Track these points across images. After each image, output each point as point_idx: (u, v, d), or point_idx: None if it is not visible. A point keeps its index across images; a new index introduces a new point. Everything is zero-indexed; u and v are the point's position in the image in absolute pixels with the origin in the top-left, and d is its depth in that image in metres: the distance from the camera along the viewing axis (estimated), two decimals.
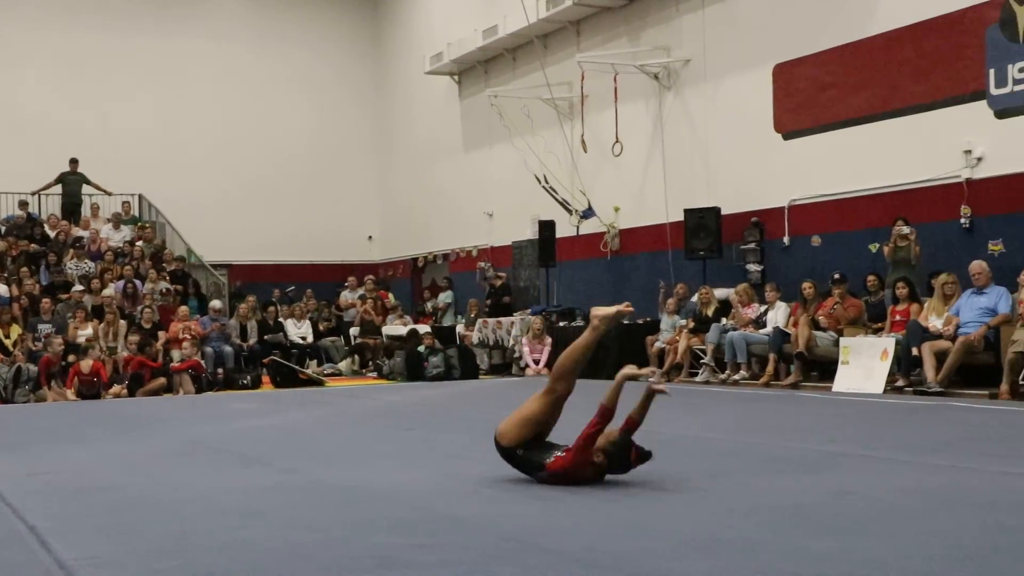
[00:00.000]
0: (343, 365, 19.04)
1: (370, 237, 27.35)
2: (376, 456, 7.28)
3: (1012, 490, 5.22)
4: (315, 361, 19.04)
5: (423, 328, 18.73)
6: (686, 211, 16.34)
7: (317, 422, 10.38)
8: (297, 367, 17.13)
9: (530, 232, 20.07)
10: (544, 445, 5.71)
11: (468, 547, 4.17)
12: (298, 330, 19.64)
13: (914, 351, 11.74)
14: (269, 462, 7.13)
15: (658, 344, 15.51)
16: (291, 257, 25.73)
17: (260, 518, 4.93)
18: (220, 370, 16.33)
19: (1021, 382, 10.93)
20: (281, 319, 19.66)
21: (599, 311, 5.83)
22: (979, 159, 13.03)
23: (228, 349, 17.08)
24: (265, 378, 16.68)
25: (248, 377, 16.23)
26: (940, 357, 11.46)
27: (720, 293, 15.30)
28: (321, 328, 20.25)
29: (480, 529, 4.54)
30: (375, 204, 27.36)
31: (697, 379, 14.50)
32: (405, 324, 19.78)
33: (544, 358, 17.05)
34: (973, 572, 3.56)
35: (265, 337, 18.30)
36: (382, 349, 18.94)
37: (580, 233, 19.55)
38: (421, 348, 17.05)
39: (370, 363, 18.97)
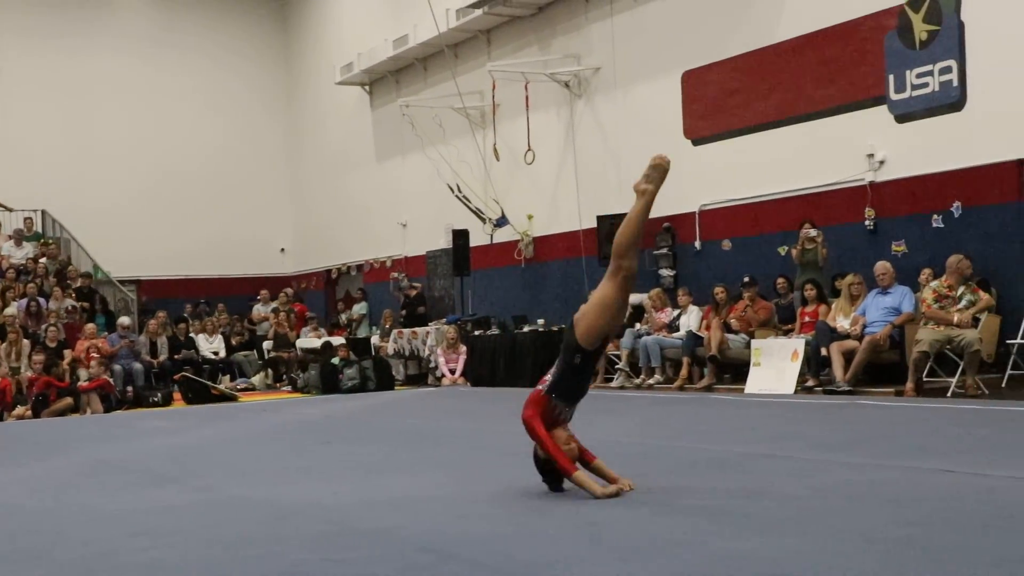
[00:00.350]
0: (256, 379, 18.82)
1: (282, 249, 27.08)
2: (292, 471, 7.20)
3: (918, 485, 5.34)
4: (228, 376, 18.81)
5: (337, 340, 18.60)
6: (599, 218, 16.46)
7: (231, 438, 10.23)
8: (209, 383, 16.88)
9: (444, 241, 20.06)
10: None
11: (385, 560, 4.14)
12: (210, 345, 19.39)
13: (823, 351, 11.97)
14: (182, 480, 7.01)
15: None
16: (202, 271, 25.36)
17: (173, 537, 4.85)
18: (130, 388, 16.03)
19: (925, 380, 11.21)
20: (192, 334, 19.37)
21: (647, 174, 5.62)
22: (881, 162, 13.34)
23: (138, 366, 16.77)
24: (176, 395, 16.40)
25: (159, 394, 15.94)
26: (848, 356, 11.69)
27: (633, 298, 15.43)
28: (234, 342, 20.00)
29: (397, 541, 4.51)
30: (287, 216, 27.10)
31: (612, 384, 14.60)
32: (319, 336, 19.62)
33: (460, 367, 17.04)
34: (883, 566, 3.63)
35: (176, 355, 18.02)
36: (296, 362, 18.76)
37: (494, 241, 19.59)
38: (336, 360, 16.91)
39: (284, 377, 18.78)
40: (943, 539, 4.02)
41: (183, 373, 16.66)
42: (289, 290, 23.14)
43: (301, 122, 26.80)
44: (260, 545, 4.56)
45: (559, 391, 5.54)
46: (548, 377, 5.62)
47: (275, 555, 4.34)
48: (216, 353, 19.35)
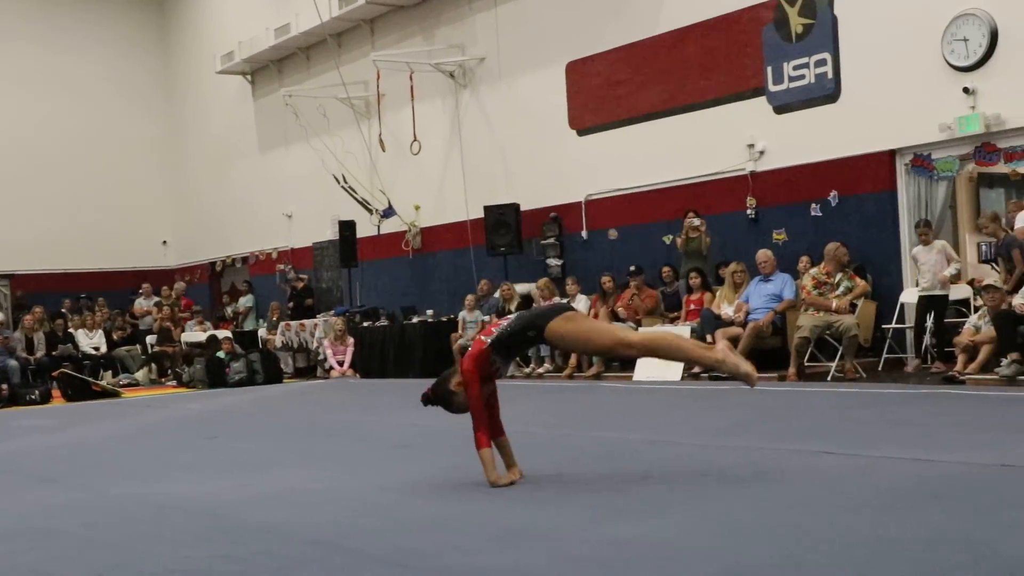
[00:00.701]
0: (140, 375, 18.41)
1: (164, 242, 26.49)
2: (177, 467, 7.06)
3: (800, 467, 5.48)
4: (110, 372, 18.35)
5: (223, 333, 18.29)
6: (486, 208, 16.48)
7: (113, 435, 9.99)
8: (90, 379, 16.43)
9: (331, 233, 19.86)
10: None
11: (273, 554, 4.09)
12: (90, 340, 18.89)
13: (708, 338, 12.17)
14: (61, 480, 6.82)
15: (461, 341, 15.59)
16: (80, 265, 24.65)
17: (53, 539, 4.71)
18: (4, 386, 15.48)
19: (806, 364, 11.50)
20: (72, 329, 18.85)
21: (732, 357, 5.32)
22: (761, 152, 13.62)
23: (13, 363, 16.24)
24: (56, 392, 15.92)
25: (36, 392, 15.43)
26: (732, 343, 11.89)
27: (522, 288, 15.50)
28: (115, 337, 19.52)
29: (286, 535, 4.46)
30: (168, 208, 26.50)
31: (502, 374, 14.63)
32: (205, 330, 19.27)
33: (348, 359, 16.93)
34: (767, 546, 3.71)
35: (54, 351, 17.53)
36: (181, 357, 18.40)
37: (381, 232, 19.47)
38: (221, 354, 16.64)
39: (169, 372, 18.40)
40: (822, 518, 4.12)
41: (62, 369, 16.20)
42: (181, 285, 22.69)
43: (182, 112, 26.23)
44: (143, 544, 4.47)
45: (500, 347, 5.51)
46: (494, 330, 5.57)
47: (159, 554, 4.25)
48: (97, 348, 18.87)
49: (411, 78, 17.82)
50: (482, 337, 5.60)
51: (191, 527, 4.79)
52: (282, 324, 18.83)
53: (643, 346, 5.56)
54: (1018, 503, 4.24)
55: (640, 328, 13.13)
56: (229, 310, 22.22)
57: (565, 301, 14.25)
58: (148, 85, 26.41)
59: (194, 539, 4.49)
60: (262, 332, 19.65)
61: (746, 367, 5.26)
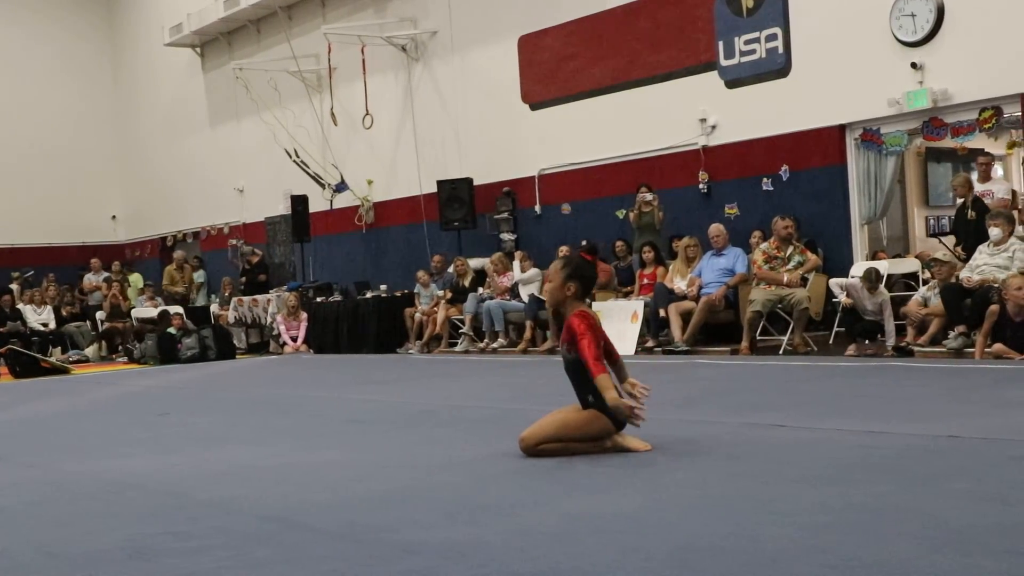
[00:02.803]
0: (90, 351, 18.23)
1: (114, 217, 26.18)
2: (128, 444, 6.99)
3: (753, 440, 5.53)
4: (59, 348, 18.14)
5: (174, 309, 18.13)
6: (439, 183, 16.44)
7: (62, 412, 9.88)
8: (39, 355, 16.24)
9: (283, 207, 19.73)
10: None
11: (227, 530, 4.07)
12: (38, 316, 18.65)
13: (661, 312, 12.25)
14: (8, 457, 6.73)
15: (416, 315, 15.58)
16: (27, 240, 24.31)
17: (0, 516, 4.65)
18: None
19: (759, 338, 11.60)
20: (20, 305, 18.60)
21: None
22: (713, 127, 13.69)
23: None
24: (3, 369, 15.73)
25: None
26: (685, 317, 12.01)
27: (475, 263, 15.50)
28: (64, 313, 19.28)
29: (239, 512, 4.44)
30: (118, 182, 26.18)
31: (456, 349, 14.65)
32: (156, 306, 19.09)
33: (302, 334, 16.86)
34: (722, 519, 3.75)
35: (1, 327, 17.27)
36: (132, 333, 18.22)
37: (334, 207, 19.37)
38: (172, 330, 16.50)
39: (120, 348, 18.22)
40: (775, 491, 4.17)
41: (9, 346, 15.99)
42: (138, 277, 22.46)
43: (130, 85, 25.87)
44: (93, 521, 4.42)
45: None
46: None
47: (110, 530, 4.21)
48: (45, 325, 18.63)
49: (363, 51, 17.70)
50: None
51: (143, 503, 4.75)
52: (235, 300, 18.69)
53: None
54: (965, 474, 4.31)
55: (592, 303, 13.17)
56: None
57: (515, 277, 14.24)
58: (96, 58, 26.03)
59: (146, 515, 4.45)
60: (214, 308, 19.50)
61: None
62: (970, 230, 10.87)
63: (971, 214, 10.95)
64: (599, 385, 5.17)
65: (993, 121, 11.42)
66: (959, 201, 11.48)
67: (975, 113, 11.48)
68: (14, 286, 20.02)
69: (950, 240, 12.03)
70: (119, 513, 4.57)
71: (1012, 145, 12.75)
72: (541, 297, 13.85)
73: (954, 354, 9.66)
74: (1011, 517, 3.53)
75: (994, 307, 9.24)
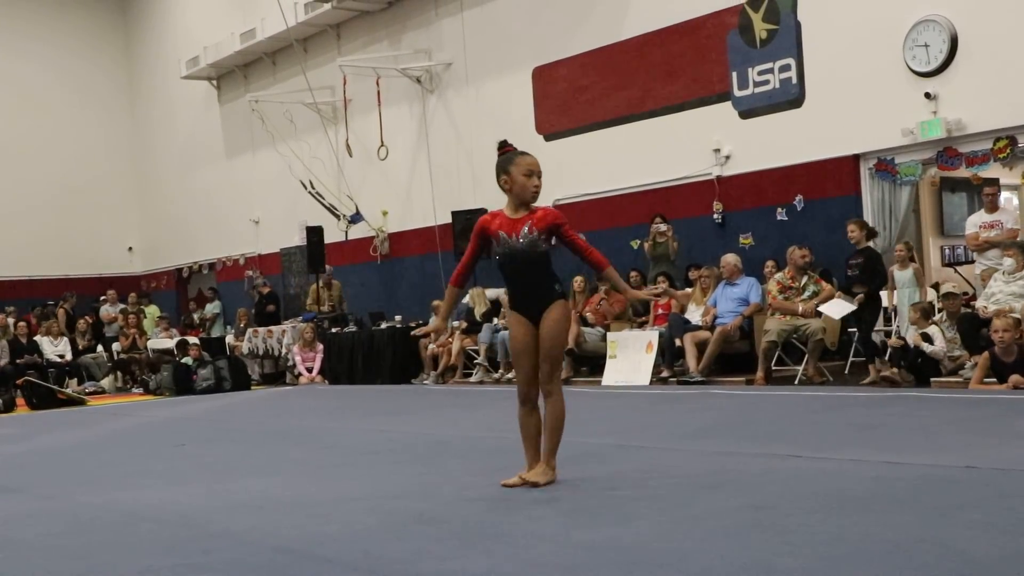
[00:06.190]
0: (106, 382, 18.27)
1: (130, 248, 26.31)
2: (144, 475, 7.00)
3: (768, 471, 5.51)
4: (75, 380, 18.20)
5: (192, 340, 18.18)
6: (454, 213, 16.48)
7: (78, 443, 9.90)
8: (55, 387, 16.29)
9: (298, 238, 19.81)
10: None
11: (240, 562, 4.07)
12: (55, 348, 18.72)
13: (676, 342, 12.23)
14: (25, 489, 6.74)
15: (431, 346, 15.57)
16: (45, 271, 24.45)
17: (14, 548, 4.66)
18: None
19: (774, 368, 11.57)
20: (36, 337, 18.69)
21: None
22: (727, 157, 13.71)
23: None
24: (20, 401, 15.76)
25: (0, 400, 15.29)
26: (700, 347, 11.98)
27: (491, 293, 15.51)
28: (80, 345, 19.35)
29: (254, 543, 4.44)
30: (135, 214, 26.34)
31: (471, 379, 14.64)
32: (171, 337, 19.14)
33: (317, 365, 16.87)
34: (736, 549, 3.73)
35: (18, 359, 17.35)
36: (147, 364, 18.27)
37: (349, 238, 19.43)
38: (188, 360, 16.54)
39: (136, 379, 18.27)
40: (792, 522, 4.15)
41: (26, 377, 16.04)
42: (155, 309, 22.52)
43: (147, 118, 26.08)
44: (108, 552, 4.43)
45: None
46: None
47: (125, 562, 4.22)
48: (62, 356, 18.70)
49: (378, 83, 17.81)
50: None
51: (157, 535, 4.76)
52: (249, 331, 18.74)
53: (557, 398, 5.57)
54: (981, 504, 4.28)
55: (607, 334, 13.16)
56: (196, 316, 22.08)
57: None
58: (113, 91, 26.26)
59: (161, 547, 4.46)
60: (230, 339, 19.54)
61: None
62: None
63: None
64: (613, 277, 5.80)
65: (1008, 151, 11.40)
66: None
67: (989, 143, 11.47)
68: (60, 311, 20.16)
69: (966, 270, 12.00)
70: (134, 545, 4.57)
71: None
72: None
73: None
74: None
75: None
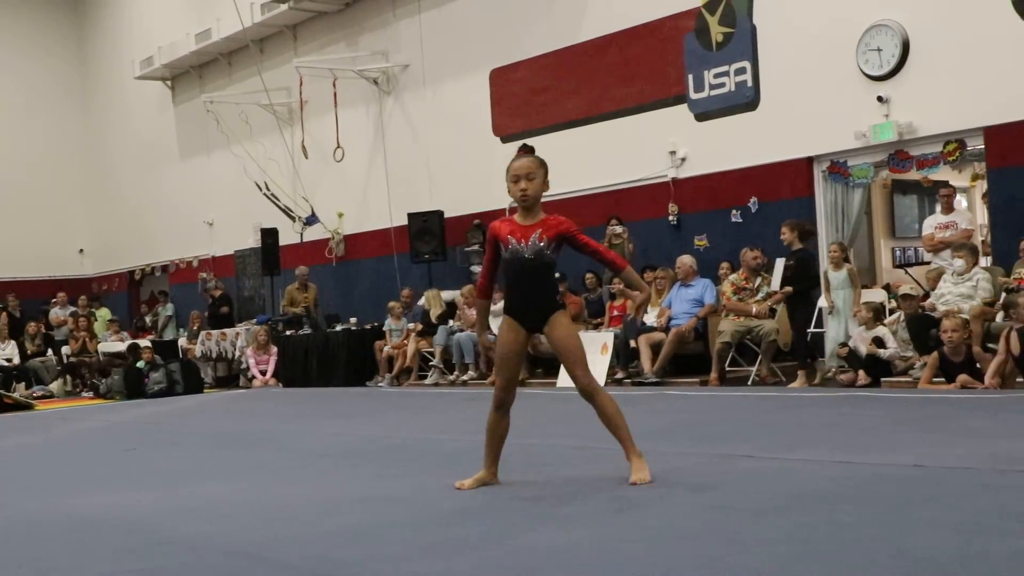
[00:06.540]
0: (55, 386, 18.03)
1: (81, 250, 25.99)
2: (94, 481, 6.91)
3: (721, 471, 5.54)
4: (23, 384, 17.95)
5: (144, 342, 18.00)
6: (410, 215, 16.45)
7: (26, 448, 9.76)
8: (2, 391, 16.05)
9: (252, 240, 19.69)
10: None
11: (195, 567, 4.03)
12: (2, 351, 18.46)
13: (631, 344, 12.28)
14: None
15: (387, 349, 15.52)
16: None
17: None
18: None
19: (728, 369, 11.64)
20: None
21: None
22: (683, 159, 13.77)
23: None
24: None
25: None
26: (655, 348, 12.03)
27: (447, 295, 15.48)
28: (28, 349, 19.09)
29: (207, 548, 4.40)
30: (85, 215, 26.01)
31: (427, 382, 14.61)
32: (121, 340, 18.93)
33: (271, 368, 16.75)
34: (693, 550, 3.74)
35: None
36: (97, 367, 18.05)
37: (304, 240, 19.32)
38: (140, 364, 16.36)
39: (87, 382, 18.05)
40: (744, 522, 4.17)
41: None
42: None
43: (100, 119, 25.78)
44: (59, 560, 4.36)
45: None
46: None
47: (76, 570, 4.16)
48: (9, 360, 18.43)
49: (334, 84, 17.73)
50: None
51: (108, 541, 4.70)
52: (203, 333, 18.58)
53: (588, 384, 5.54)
54: (931, 503, 4.33)
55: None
56: (148, 319, 21.88)
57: None
58: (64, 92, 25.94)
59: (111, 554, 4.40)
60: (182, 341, 19.37)
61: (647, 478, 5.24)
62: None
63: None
64: (632, 277, 5.67)
65: (957, 154, 11.55)
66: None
67: (940, 146, 11.61)
68: (2, 314, 19.83)
69: (916, 271, 12.14)
70: (85, 552, 4.51)
71: (975, 177, 12.90)
72: None
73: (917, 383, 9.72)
74: (976, 546, 3.55)
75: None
